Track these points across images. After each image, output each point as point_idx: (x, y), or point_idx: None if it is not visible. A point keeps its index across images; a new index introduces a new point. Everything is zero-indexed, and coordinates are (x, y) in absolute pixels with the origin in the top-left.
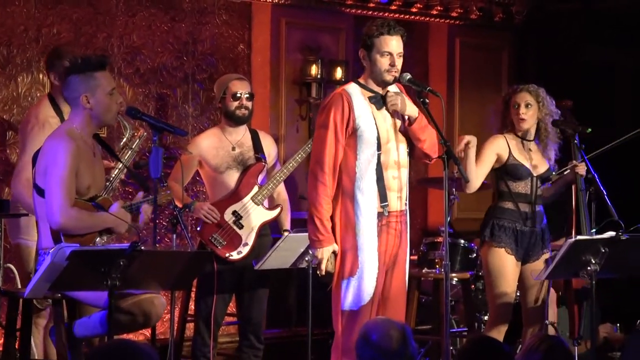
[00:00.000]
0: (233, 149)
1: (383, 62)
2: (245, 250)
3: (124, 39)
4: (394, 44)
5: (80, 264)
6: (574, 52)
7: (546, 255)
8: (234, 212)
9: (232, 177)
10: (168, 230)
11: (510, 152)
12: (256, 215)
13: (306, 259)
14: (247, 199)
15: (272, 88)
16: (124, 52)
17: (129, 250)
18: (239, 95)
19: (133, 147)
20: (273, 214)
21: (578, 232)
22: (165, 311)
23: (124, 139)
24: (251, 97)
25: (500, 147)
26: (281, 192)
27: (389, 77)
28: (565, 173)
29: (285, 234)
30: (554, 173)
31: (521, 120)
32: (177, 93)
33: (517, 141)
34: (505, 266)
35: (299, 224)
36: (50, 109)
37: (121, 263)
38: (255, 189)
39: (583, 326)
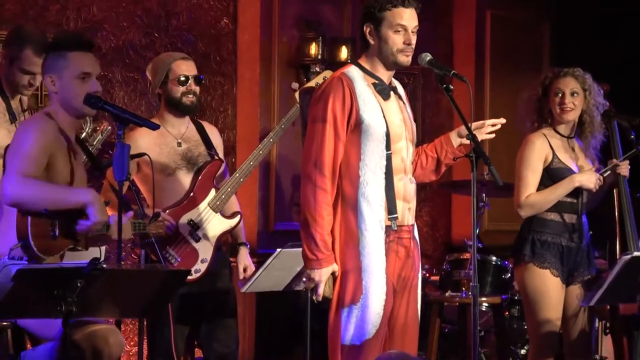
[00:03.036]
0: (179, 144)
1: (396, 40)
2: (203, 267)
3: (82, 12)
4: (408, 17)
5: (28, 285)
6: (631, 28)
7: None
8: (190, 222)
9: (181, 180)
10: (135, 245)
11: (554, 153)
12: (214, 224)
13: (304, 279)
14: (203, 205)
15: (263, 71)
16: (82, 27)
17: (87, 268)
18: (184, 78)
19: (94, 143)
20: (232, 222)
21: (624, 247)
22: (132, 343)
23: (83, 134)
24: (199, 81)
25: (544, 148)
26: (233, 200)
27: (402, 58)
28: (605, 175)
29: (278, 250)
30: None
31: (567, 110)
32: (146, 77)
33: (559, 139)
34: (550, 289)
35: (293, 237)
36: None
37: (79, 284)
38: (213, 193)
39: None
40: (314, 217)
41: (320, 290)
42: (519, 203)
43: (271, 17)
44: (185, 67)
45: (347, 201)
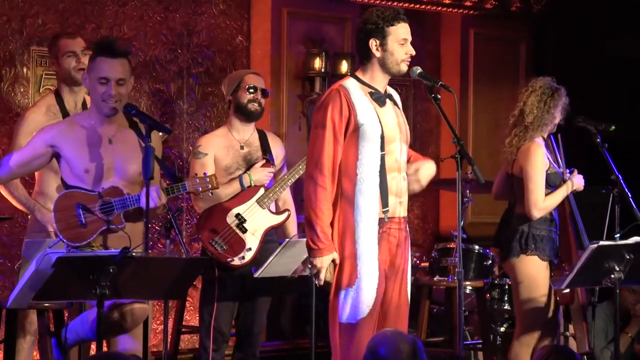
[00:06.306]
0: (241, 147)
1: (401, 52)
2: (248, 255)
3: (114, 30)
4: (408, 31)
5: (67, 271)
6: (598, 45)
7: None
8: (238, 215)
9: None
10: (161, 235)
11: (548, 160)
12: (261, 219)
13: (309, 265)
14: (252, 201)
15: (273, 83)
16: None
17: (119, 256)
18: (253, 88)
19: None
20: (280, 218)
21: (579, 245)
22: (159, 322)
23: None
24: (265, 94)
25: (545, 157)
26: (287, 198)
27: (404, 67)
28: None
29: (287, 240)
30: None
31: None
32: (170, 88)
33: (544, 145)
34: (546, 274)
35: (299, 229)
36: (48, 99)
37: (111, 270)
38: (262, 191)
39: (592, 341)
40: (315, 211)
41: (322, 276)
42: (537, 206)
43: (280, 35)
44: (255, 80)
45: (346, 196)
